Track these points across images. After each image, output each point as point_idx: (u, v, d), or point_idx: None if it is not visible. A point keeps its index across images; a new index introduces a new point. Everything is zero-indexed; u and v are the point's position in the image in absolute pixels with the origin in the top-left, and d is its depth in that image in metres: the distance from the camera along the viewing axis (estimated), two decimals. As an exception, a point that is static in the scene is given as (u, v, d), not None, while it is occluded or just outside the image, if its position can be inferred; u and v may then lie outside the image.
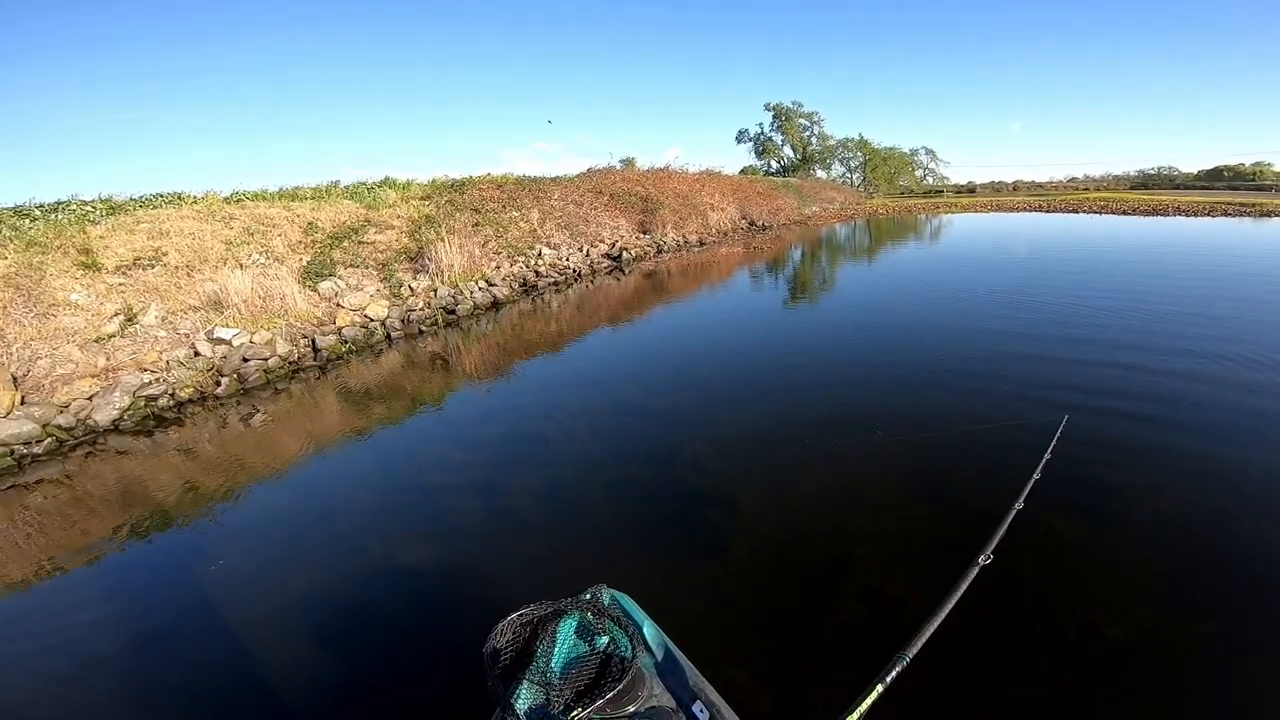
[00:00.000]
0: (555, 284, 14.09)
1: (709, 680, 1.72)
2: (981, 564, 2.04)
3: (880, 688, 1.58)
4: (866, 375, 7.01)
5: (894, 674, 1.61)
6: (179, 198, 11.58)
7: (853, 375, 7.08)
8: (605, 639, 1.61)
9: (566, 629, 1.63)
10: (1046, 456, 2.99)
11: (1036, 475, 2.77)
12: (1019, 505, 2.48)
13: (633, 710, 1.50)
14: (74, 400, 6.75)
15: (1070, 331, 8.14)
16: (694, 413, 6.03)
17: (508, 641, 1.57)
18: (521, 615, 1.63)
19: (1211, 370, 6.36)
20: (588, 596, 1.78)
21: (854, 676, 2.65)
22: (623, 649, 1.57)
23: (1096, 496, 4.10)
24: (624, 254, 17.23)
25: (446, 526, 4.31)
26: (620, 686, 1.46)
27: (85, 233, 9.10)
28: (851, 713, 1.51)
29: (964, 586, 1.93)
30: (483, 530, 4.21)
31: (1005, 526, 2.30)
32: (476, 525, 4.27)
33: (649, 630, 1.82)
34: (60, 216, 9.70)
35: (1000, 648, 2.93)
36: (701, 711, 1.58)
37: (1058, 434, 3.32)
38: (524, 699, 1.44)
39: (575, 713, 1.39)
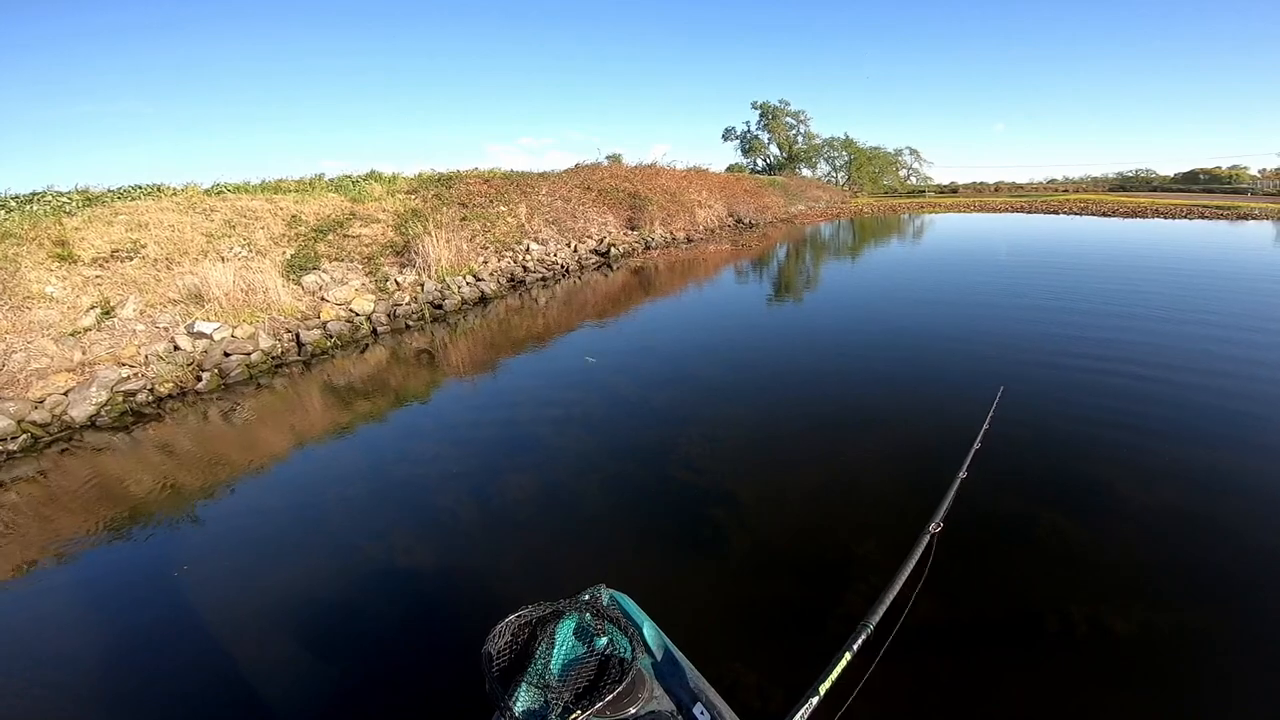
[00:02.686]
0: (543, 279, 14.00)
1: (710, 681, 1.70)
2: (933, 531, 2.15)
3: (849, 655, 1.65)
4: (860, 368, 7.04)
5: (860, 641, 1.69)
6: (158, 189, 11.35)
7: (845, 368, 7.11)
8: (604, 640, 1.59)
9: (565, 630, 1.61)
10: (985, 427, 3.12)
11: (976, 445, 2.91)
12: (963, 474, 2.58)
13: (633, 712, 1.49)
14: (49, 395, 6.57)
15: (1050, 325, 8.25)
16: (689, 409, 6.00)
17: (506, 643, 1.56)
18: (520, 616, 1.62)
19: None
20: (587, 597, 1.76)
21: (861, 673, 2.68)
22: (622, 650, 1.55)
23: (1094, 489, 4.15)
24: (612, 250, 17.16)
25: (441, 526, 4.24)
26: (620, 688, 1.45)
27: (61, 224, 8.87)
28: (824, 680, 1.56)
29: (917, 554, 2.02)
30: (479, 529, 4.15)
31: (952, 495, 2.41)
32: (472, 524, 4.21)
33: (649, 631, 1.80)
34: (35, 208, 9.48)
35: (1003, 638, 2.95)
36: (702, 713, 1.56)
37: (994, 405, 3.43)
38: (522, 701, 1.42)
39: (574, 715, 1.37)
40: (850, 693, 1.63)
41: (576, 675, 1.48)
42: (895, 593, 1.83)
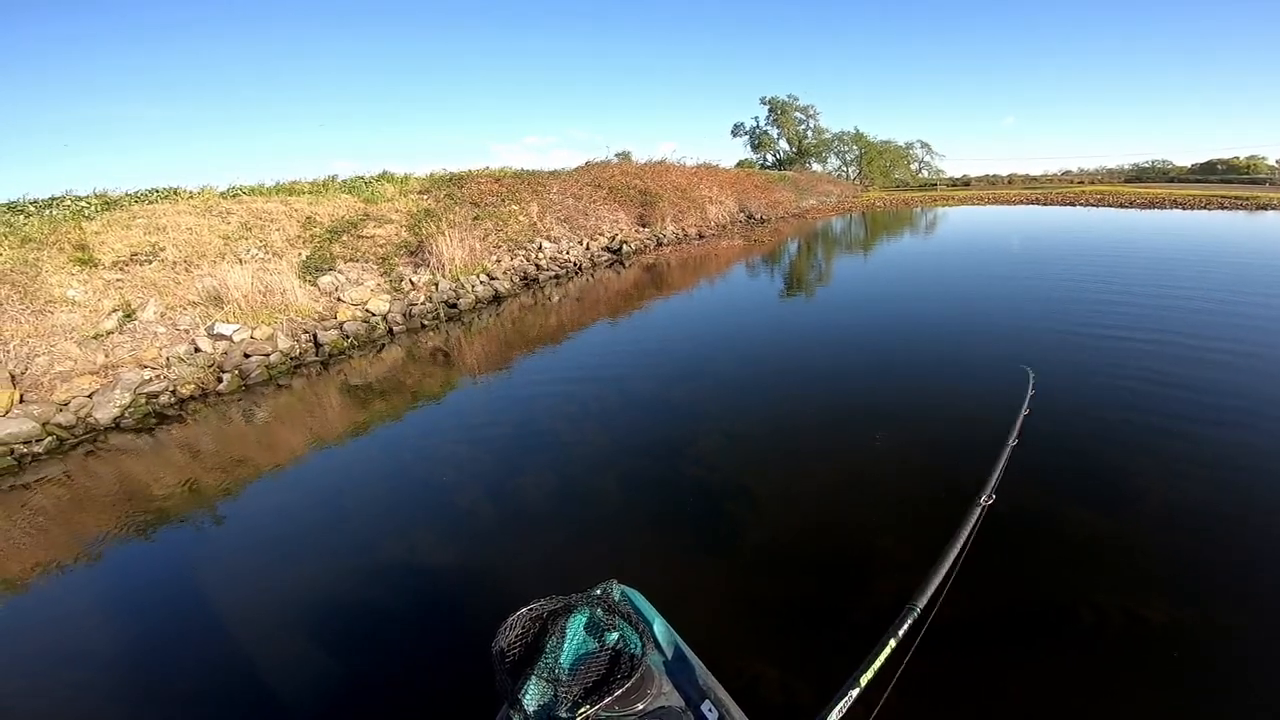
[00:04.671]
0: (556, 277, 14.02)
1: (724, 679, 1.69)
2: (984, 504, 2.01)
3: (893, 642, 1.55)
4: (877, 362, 6.97)
5: (906, 626, 1.57)
6: (175, 193, 11.44)
7: (862, 363, 7.05)
8: (615, 635, 1.57)
9: (576, 625, 1.59)
10: (1030, 392, 3.05)
11: (1025, 411, 2.82)
12: (1013, 442, 2.49)
13: (641, 708, 1.48)
14: (74, 398, 6.65)
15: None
16: (705, 405, 5.98)
17: (517, 636, 1.54)
18: (531, 610, 1.60)
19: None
20: (598, 592, 1.73)
21: (900, 661, 2.66)
22: (632, 646, 1.53)
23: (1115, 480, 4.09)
24: (624, 247, 17.15)
25: (456, 522, 4.25)
26: (629, 684, 1.43)
27: (81, 228, 8.98)
28: (866, 670, 1.48)
29: (969, 530, 1.89)
30: (493, 525, 4.16)
31: (1002, 465, 2.29)
32: (487, 520, 4.22)
33: (659, 627, 1.79)
34: (55, 212, 9.57)
35: (1031, 630, 2.91)
36: (710, 711, 1.55)
37: (1030, 386, 3.36)
38: (532, 695, 1.40)
39: (583, 710, 1.35)
40: (889, 682, 1.56)
41: (586, 670, 1.47)
42: (944, 572, 1.71)
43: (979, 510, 1.99)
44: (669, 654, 1.73)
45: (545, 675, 1.44)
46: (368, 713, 2.77)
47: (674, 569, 3.56)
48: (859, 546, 3.62)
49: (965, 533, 1.87)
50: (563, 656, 1.49)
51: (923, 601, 1.63)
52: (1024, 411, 2.82)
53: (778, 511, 4.07)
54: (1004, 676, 2.70)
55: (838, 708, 1.42)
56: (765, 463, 4.75)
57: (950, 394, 5.81)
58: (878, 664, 1.49)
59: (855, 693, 1.44)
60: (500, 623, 1.55)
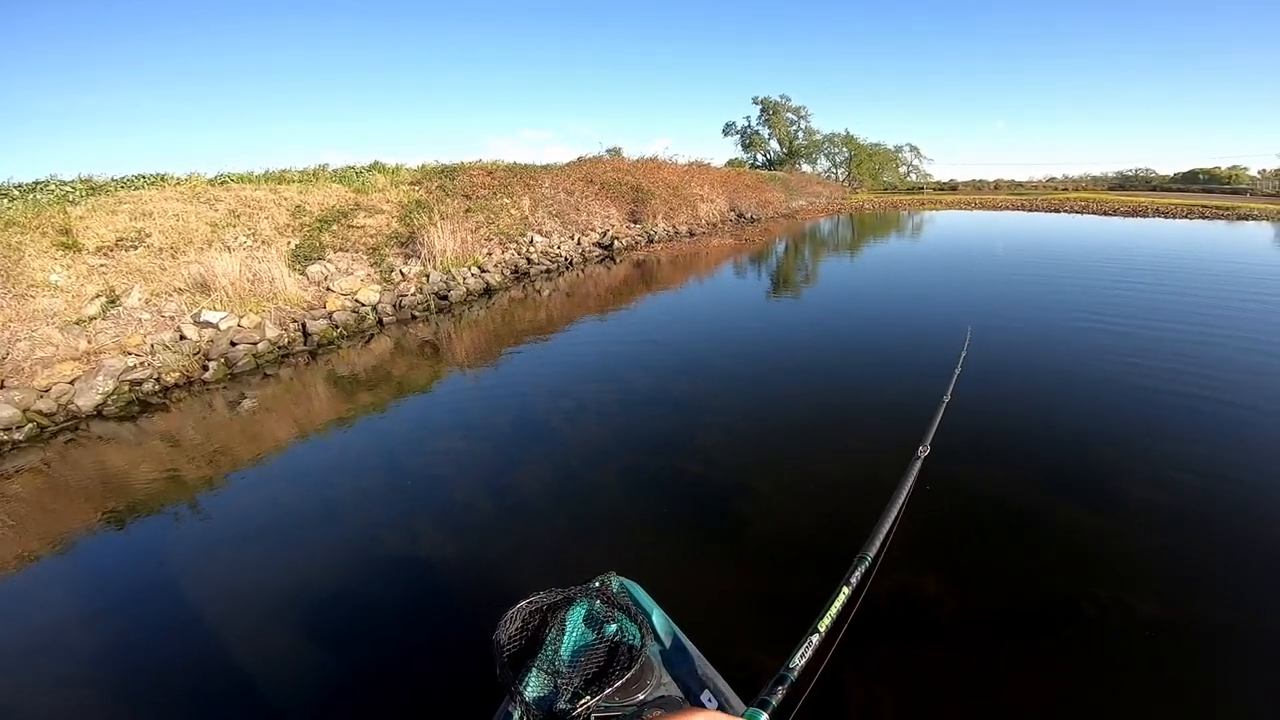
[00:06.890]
0: (547, 271, 13.99)
1: (722, 669, 1.72)
2: (920, 455, 2.20)
3: (846, 589, 1.66)
4: (871, 360, 7.04)
5: (857, 574, 1.70)
6: (162, 179, 11.29)
7: (858, 360, 7.12)
8: (614, 627, 1.60)
9: (575, 617, 1.62)
10: (963, 354, 3.17)
11: (958, 370, 2.99)
12: (946, 399, 2.64)
13: (641, 699, 1.50)
14: (55, 384, 6.52)
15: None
16: (703, 400, 6.00)
17: (517, 629, 1.56)
18: (531, 603, 1.62)
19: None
20: (597, 584, 1.76)
21: (877, 665, 2.66)
22: (631, 637, 1.56)
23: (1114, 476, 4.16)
24: (615, 243, 17.14)
25: (453, 516, 4.22)
26: (629, 675, 1.46)
27: (65, 213, 8.80)
28: (822, 618, 1.58)
29: (909, 483, 2.03)
30: (491, 519, 4.13)
31: (938, 421, 2.52)
32: (485, 514, 4.19)
33: (657, 619, 1.81)
34: (39, 196, 9.40)
35: (1007, 624, 2.95)
36: (709, 700, 1.58)
37: (966, 343, 3.51)
38: (532, 687, 1.43)
39: (583, 701, 1.38)
40: (846, 624, 1.63)
41: (586, 661, 1.49)
42: (890, 523, 1.85)
43: (918, 462, 2.16)
44: (668, 644, 1.75)
45: (545, 667, 1.46)
46: (366, 707, 2.74)
47: (671, 560, 3.57)
48: (857, 538, 3.63)
49: (906, 486, 2.03)
50: (562, 648, 1.52)
51: (872, 551, 1.75)
52: (957, 370, 2.96)
53: (775, 503, 4.09)
54: (1003, 667, 2.74)
55: (800, 653, 1.50)
56: (762, 457, 4.77)
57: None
58: (834, 610, 1.60)
59: (816, 639, 1.53)
60: (500, 616, 1.56)
